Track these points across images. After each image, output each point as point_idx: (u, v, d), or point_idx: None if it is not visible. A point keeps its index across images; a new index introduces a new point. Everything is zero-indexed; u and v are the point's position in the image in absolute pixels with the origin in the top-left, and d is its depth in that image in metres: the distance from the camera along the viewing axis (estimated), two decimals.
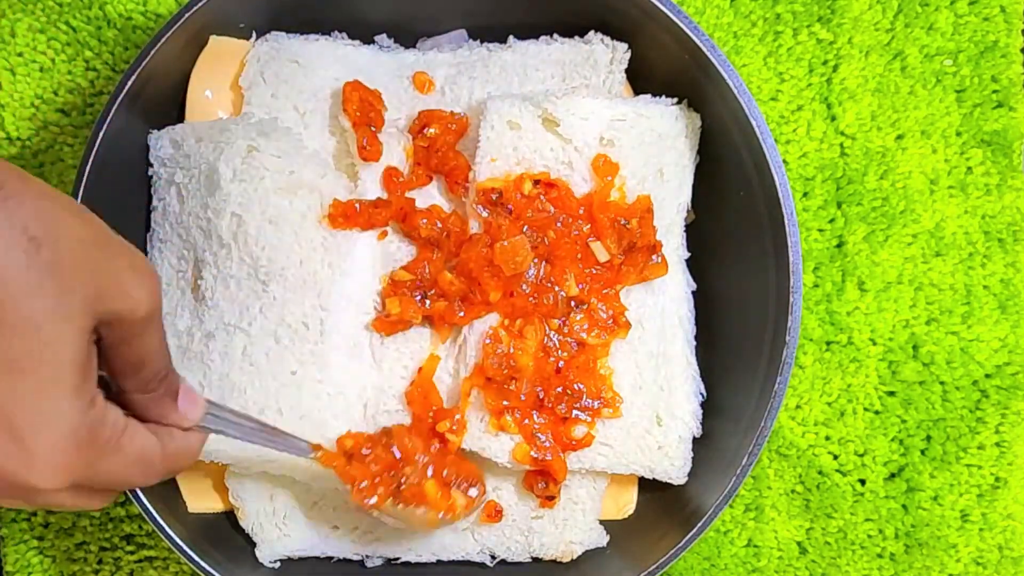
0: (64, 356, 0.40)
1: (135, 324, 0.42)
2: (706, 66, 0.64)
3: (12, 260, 0.38)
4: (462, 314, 0.64)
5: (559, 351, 0.64)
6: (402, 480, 0.61)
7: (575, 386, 0.64)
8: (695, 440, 0.68)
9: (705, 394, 0.69)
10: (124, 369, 0.45)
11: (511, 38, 0.70)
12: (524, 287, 0.64)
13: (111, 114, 0.62)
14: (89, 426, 0.41)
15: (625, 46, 0.68)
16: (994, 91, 0.78)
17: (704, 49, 0.63)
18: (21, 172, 0.40)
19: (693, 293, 0.70)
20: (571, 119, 0.65)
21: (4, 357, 0.39)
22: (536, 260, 0.64)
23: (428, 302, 0.65)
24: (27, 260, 0.38)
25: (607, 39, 0.68)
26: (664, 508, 0.69)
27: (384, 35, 0.71)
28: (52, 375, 0.39)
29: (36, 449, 0.40)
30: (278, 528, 0.67)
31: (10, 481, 0.41)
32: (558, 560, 0.69)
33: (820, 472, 0.77)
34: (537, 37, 0.70)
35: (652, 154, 0.67)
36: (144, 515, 0.62)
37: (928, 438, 0.77)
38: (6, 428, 0.39)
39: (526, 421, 0.64)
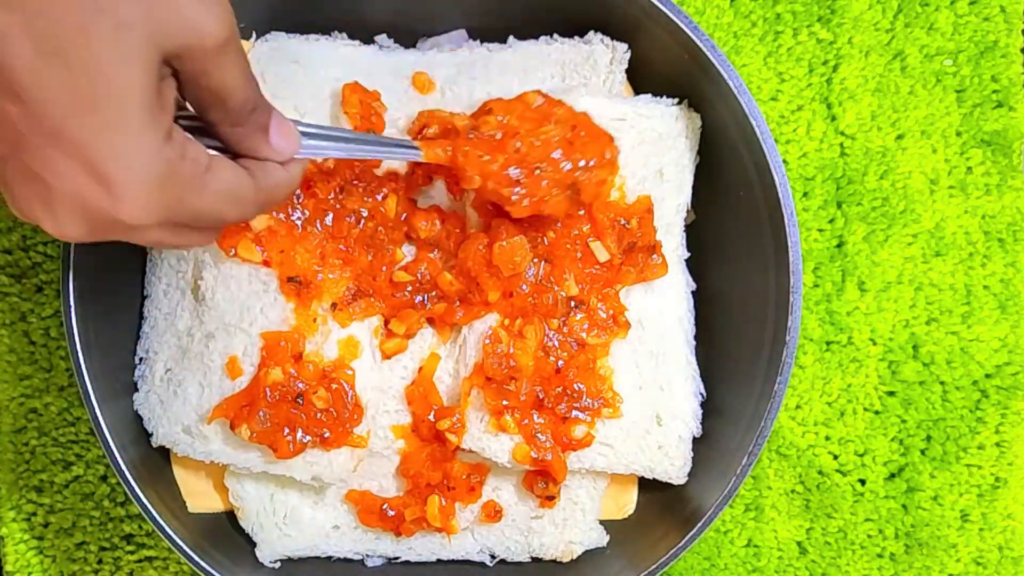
0: (130, 93, 0.39)
1: (207, 55, 0.42)
2: (706, 66, 0.64)
3: (65, 4, 0.38)
4: (461, 314, 0.64)
5: (559, 351, 0.64)
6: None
7: (575, 386, 0.64)
8: (695, 440, 0.68)
9: (705, 394, 0.69)
10: (206, 102, 0.44)
11: (511, 38, 0.70)
12: (523, 287, 0.64)
13: None
14: (167, 161, 0.41)
15: (625, 46, 0.68)
16: (994, 91, 0.78)
17: (704, 49, 0.63)
18: None
19: (693, 293, 0.70)
20: None
21: (73, 97, 0.39)
22: (536, 260, 0.64)
23: (428, 304, 0.65)
24: (80, 1, 0.38)
25: (607, 39, 0.68)
26: (664, 508, 0.69)
27: (384, 35, 0.71)
28: (120, 113, 0.40)
29: (118, 186, 0.40)
30: (278, 528, 0.67)
31: (104, 218, 0.41)
32: (558, 560, 0.69)
33: (820, 472, 0.77)
34: (537, 37, 0.70)
35: (652, 154, 0.67)
36: (144, 515, 0.62)
37: (928, 438, 0.77)
38: (88, 168, 0.40)
39: (526, 421, 0.64)
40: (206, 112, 0.45)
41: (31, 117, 0.39)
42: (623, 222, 0.65)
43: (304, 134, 0.50)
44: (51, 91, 0.39)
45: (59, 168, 0.40)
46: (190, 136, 0.44)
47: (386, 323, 0.66)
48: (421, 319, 0.65)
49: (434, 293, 0.65)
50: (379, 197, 0.64)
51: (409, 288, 0.65)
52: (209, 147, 0.45)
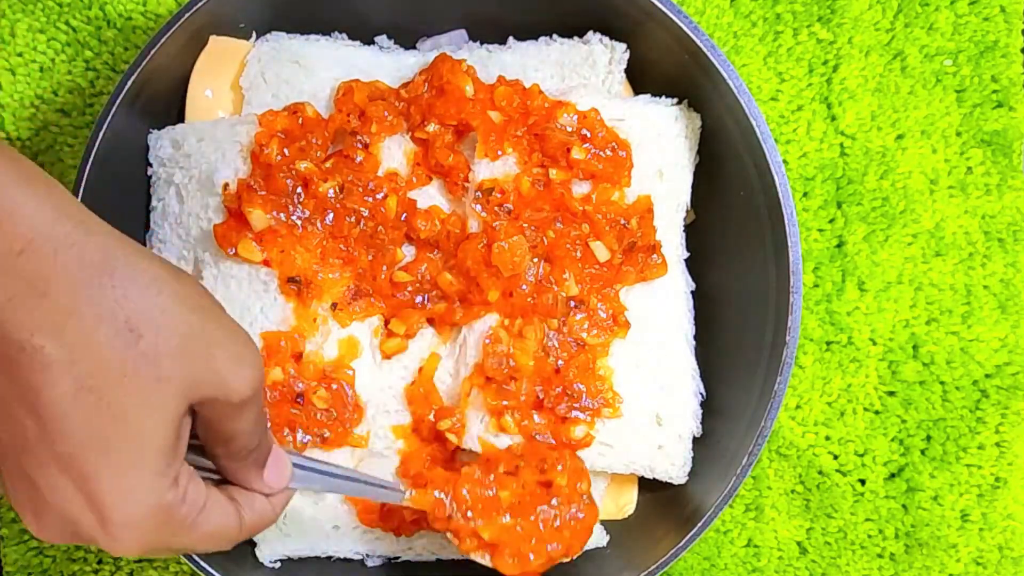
0: (151, 442, 0.41)
1: (230, 408, 0.44)
2: (706, 66, 0.64)
3: (111, 348, 0.39)
4: (461, 314, 0.64)
5: (559, 351, 0.64)
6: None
7: (575, 386, 0.64)
8: (695, 440, 0.68)
9: (705, 394, 0.69)
10: (215, 440, 0.46)
11: (510, 39, 0.70)
12: (523, 287, 0.64)
13: (111, 114, 0.62)
14: (167, 507, 0.43)
15: (624, 46, 0.68)
16: (994, 91, 0.78)
17: (704, 49, 0.63)
18: (131, 253, 0.41)
19: (692, 293, 0.70)
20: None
21: (96, 434, 0.40)
22: (535, 260, 0.64)
23: (428, 303, 0.65)
24: (125, 349, 0.40)
25: (606, 39, 0.68)
26: (664, 508, 0.69)
27: (384, 36, 0.71)
28: (138, 457, 0.41)
29: (113, 523, 0.41)
30: (278, 528, 0.67)
31: (87, 540, 0.42)
32: None
33: (820, 472, 0.77)
34: (536, 38, 0.70)
35: (651, 154, 0.67)
36: None
37: (928, 438, 0.77)
38: (88, 499, 0.41)
39: (526, 422, 0.64)
40: (210, 446, 0.47)
41: (45, 436, 0.40)
42: (623, 222, 0.65)
43: (296, 466, 0.52)
44: (74, 423, 0.40)
45: (58, 487, 0.41)
46: (193, 475, 0.45)
47: (386, 323, 0.66)
48: (421, 319, 0.65)
49: (434, 293, 0.65)
50: (379, 196, 0.64)
51: (409, 288, 0.65)
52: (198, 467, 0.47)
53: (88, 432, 0.40)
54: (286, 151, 0.63)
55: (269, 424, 0.49)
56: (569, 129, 0.65)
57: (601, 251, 0.64)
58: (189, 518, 0.44)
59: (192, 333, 0.41)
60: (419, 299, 0.65)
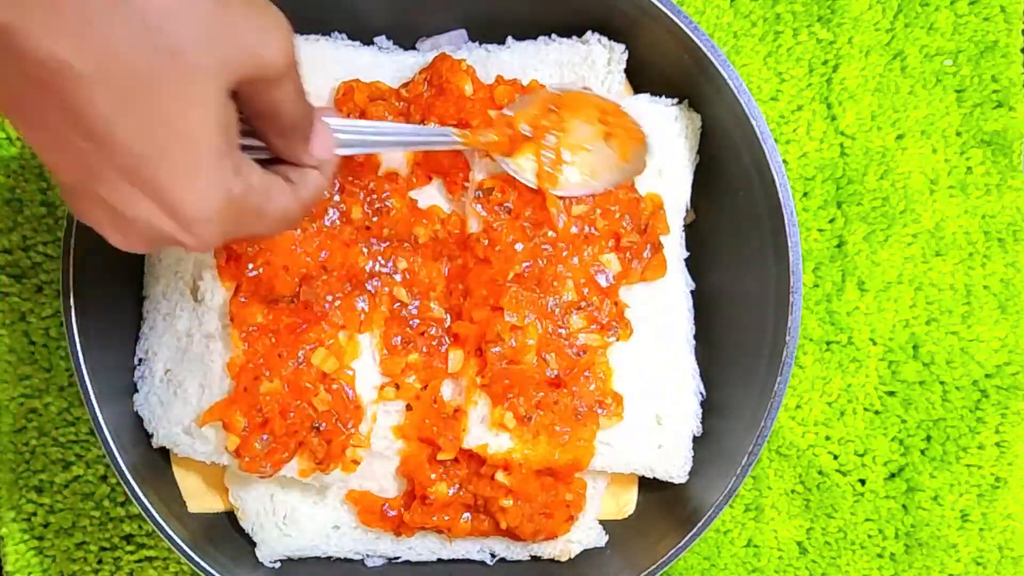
0: (202, 135, 0.41)
1: (269, 82, 0.43)
2: (706, 66, 0.64)
3: (135, 50, 0.38)
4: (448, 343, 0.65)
5: (559, 351, 0.64)
6: None
7: (575, 387, 0.64)
8: (695, 439, 0.68)
9: (705, 393, 0.69)
10: (260, 117, 0.46)
11: (509, 39, 0.70)
12: (522, 286, 0.64)
13: None
14: (235, 196, 0.43)
15: (623, 46, 0.68)
16: (994, 91, 0.78)
17: (704, 49, 0.63)
18: None
19: (693, 293, 0.70)
20: None
21: (146, 141, 0.40)
22: (531, 262, 0.64)
23: (419, 318, 0.65)
24: (148, 48, 0.39)
25: (604, 39, 0.68)
26: (664, 508, 0.69)
27: (384, 36, 0.71)
28: (193, 152, 0.41)
29: (190, 221, 0.42)
30: (278, 528, 0.67)
31: (170, 241, 0.43)
32: (557, 559, 0.69)
33: (820, 472, 0.77)
34: (536, 38, 0.70)
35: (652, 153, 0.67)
36: (144, 515, 0.62)
37: (928, 438, 0.77)
38: (161, 204, 0.41)
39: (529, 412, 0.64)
40: (257, 123, 0.47)
41: (104, 155, 0.40)
42: (627, 225, 0.65)
43: (337, 131, 0.52)
44: (125, 134, 0.40)
45: (132, 201, 0.41)
46: (251, 162, 0.45)
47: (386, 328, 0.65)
48: (411, 366, 0.65)
49: (428, 316, 0.65)
50: (383, 195, 0.64)
51: (406, 311, 0.65)
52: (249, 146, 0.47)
53: (141, 140, 0.40)
54: None
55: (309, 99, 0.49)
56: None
57: (615, 263, 0.65)
58: (257, 203, 0.45)
59: (212, 15, 0.40)
60: (414, 323, 0.65)
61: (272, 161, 0.49)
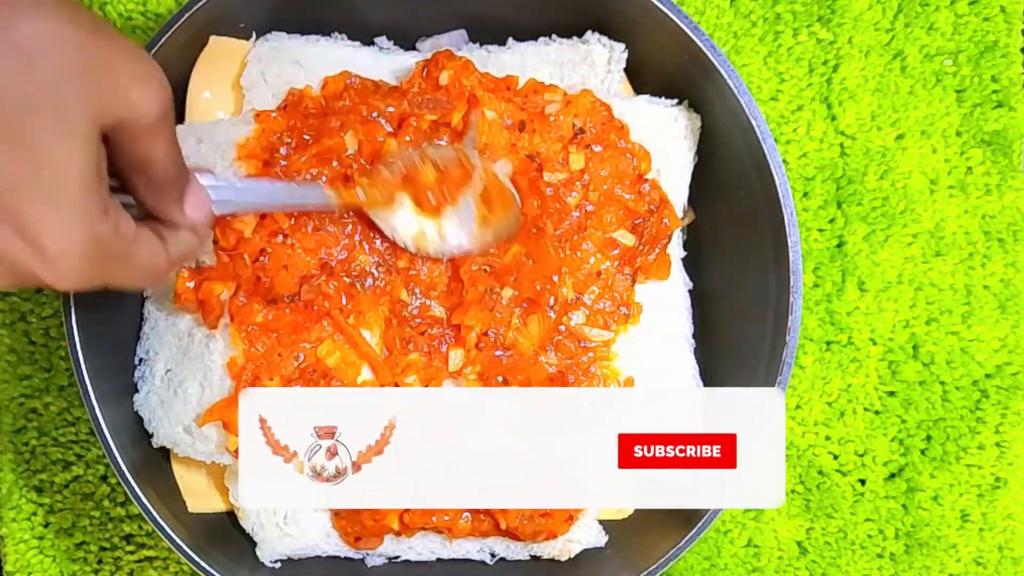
0: (71, 169, 0.40)
1: (141, 131, 0.43)
2: (706, 66, 0.64)
3: (8, 79, 0.38)
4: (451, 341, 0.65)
5: (560, 348, 0.64)
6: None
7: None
8: None
9: None
10: (131, 169, 0.45)
11: (510, 39, 0.70)
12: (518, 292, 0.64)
13: None
14: (100, 236, 0.43)
15: (623, 46, 0.68)
16: (994, 91, 0.78)
17: (704, 49, 0.63)
18: None
19: (693, 293, 0.70)
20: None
21: (17, 173, 0.39)
22: (530, 260, 0.64)
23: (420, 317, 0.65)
24: (22, 79, 0.38)
25: (604, 39, 0.69)
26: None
27: (384, 37, 0.71)
28: (62, 188, 0.40)
29: (52, 257, 0.41)
30: (278, 528, 0.67)
31: (31, 278, 0.42)
32: (556, 559, 0.69)
33: (820, 472, 0.77)
34: (536, 38, 0.70)
35: (651, 154, 0.67)
36: (144, 515, 0.62)
37: (928, 438, 0.77)
38: (24, 236, 0.41)
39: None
40: (128, 176, 0.46)
41: None
42: (638, 221, 0.65)
43: (212, 189, 0.52)
44: None
45: None
46: (120, 208, 0.45)
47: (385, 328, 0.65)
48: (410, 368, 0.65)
49: (429, 316, 0.65)
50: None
51: (407, 311, 0.65)
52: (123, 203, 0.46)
53: (7, 169, 0.39)
54: (283, 148, 0.63)
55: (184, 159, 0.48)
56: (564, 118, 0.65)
57: (627, 236, 0.64)
58: (122, 248, 0.44)
59: (89, 54, 0.40)
60: (414, 322, 0.65)
61: (144, 218, 0.48)
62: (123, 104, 0.41)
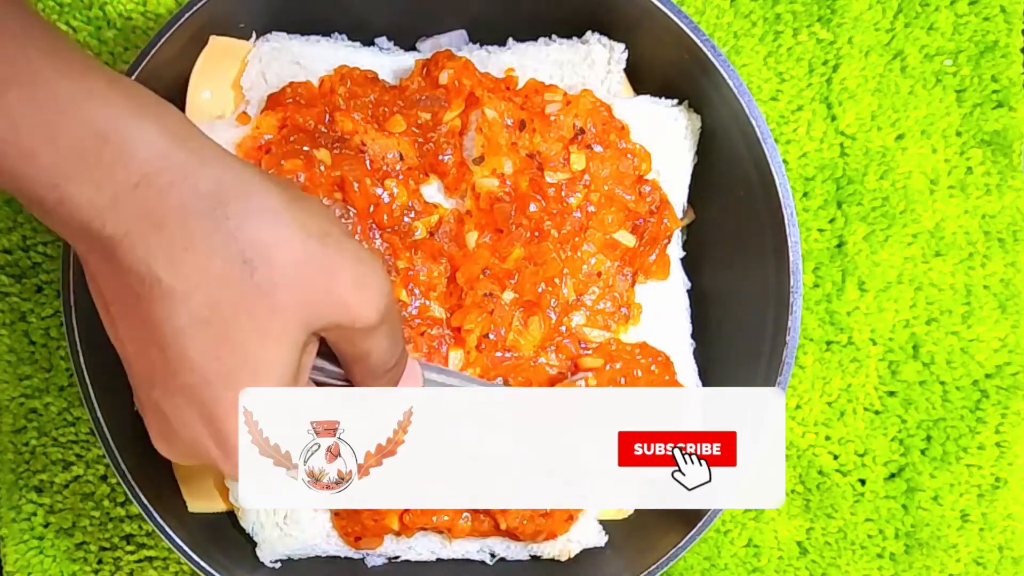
0: (270, 372, 0.41)
1: (357, 332, 0.43)
2: (706, 66, 0.64)
3: (227, 280, 0.39)
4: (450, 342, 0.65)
5: (561, 349, 0.64)
6: None
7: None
8: None
9: None
10: (347, 359, 0.46)
11: (510, 40, 0.70)
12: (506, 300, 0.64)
13: None
14: None
15: (623, 46, 0.68)
16: (994, 91, 0.78)
17: (704, 49, 0.63)
18: (246, 181, 0.40)
19: (692, 293, 0.70)
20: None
21: (217, 366, 0.40)
22: (530, 262, 0.64)
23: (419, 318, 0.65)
24: (240, 282, 0.39)
25: (604, 39, 0.69)
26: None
27: (384, 37, 0.71)
28: (257, 385, 0.41)
29: (231, 448, 0.42)
30: (278, 528, 0.67)
31: (210, 464, 0.43)
32: (556, 559, 0.69)
33: (820, 472, 0.77)
34: (536, 38, 0.70)
35: (651, 154, 0.67)
36: (144, 515, 0.62)
37: (928, 438, 0.77)
38: (212, 430, 0.42)
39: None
40: (345, 364, 0.47)
41: (170, 369, 0.40)
42: (639, 221, 0.65)
43: (425, 369, 0.52)
44: (195, 355, 0.40)
45: (184, 417, 0.42)
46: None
47: None
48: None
49: (428, 317, 0.65)
50: (388, 185, 0.64)
51: (405, 311, 0.65)
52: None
53: (209, 363, 0.40)
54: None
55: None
56: (563, 117, 0.65)
57: (627, 237, 0.64)
58: None
59: (310, 260, 0.40)
60: (414, 322, 0.65)
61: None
62: (339, 312, 0.42)
